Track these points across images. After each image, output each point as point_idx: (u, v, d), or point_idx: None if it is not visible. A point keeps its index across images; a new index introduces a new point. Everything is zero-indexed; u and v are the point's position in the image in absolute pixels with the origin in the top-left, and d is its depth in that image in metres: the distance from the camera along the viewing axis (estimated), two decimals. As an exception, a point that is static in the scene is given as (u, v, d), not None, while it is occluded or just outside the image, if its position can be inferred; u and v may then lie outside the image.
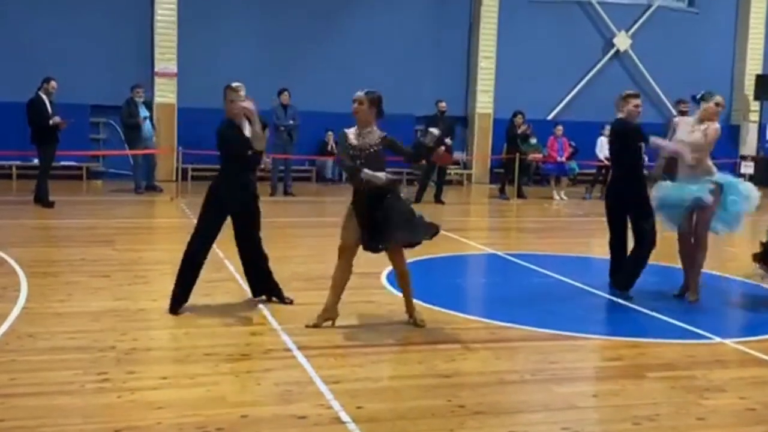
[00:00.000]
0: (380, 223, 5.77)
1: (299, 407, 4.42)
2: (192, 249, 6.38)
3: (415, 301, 6.24)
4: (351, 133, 5.93)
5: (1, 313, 6.05)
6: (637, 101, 7.25)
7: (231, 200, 6.37)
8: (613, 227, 7.40)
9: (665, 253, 8.13)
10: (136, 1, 16.98)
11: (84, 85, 16.12)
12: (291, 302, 6.64)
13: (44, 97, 12.36)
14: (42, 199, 12.20)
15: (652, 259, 7.44)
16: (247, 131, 6.30)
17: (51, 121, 12.16)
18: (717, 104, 7.22)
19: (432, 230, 6.03)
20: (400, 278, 6.12)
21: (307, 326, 5.95)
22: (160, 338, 5.74)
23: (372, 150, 5.82)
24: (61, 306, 6.44)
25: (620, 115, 7.27)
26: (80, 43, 16.48)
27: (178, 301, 6.28)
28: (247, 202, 6.48)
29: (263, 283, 6.72)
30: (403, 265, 6.07)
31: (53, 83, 12.47)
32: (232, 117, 6.32)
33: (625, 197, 7.22)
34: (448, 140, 14.79)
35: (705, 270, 7.53)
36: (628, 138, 7.19)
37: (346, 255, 5.99)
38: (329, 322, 6.02)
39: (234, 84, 6.32)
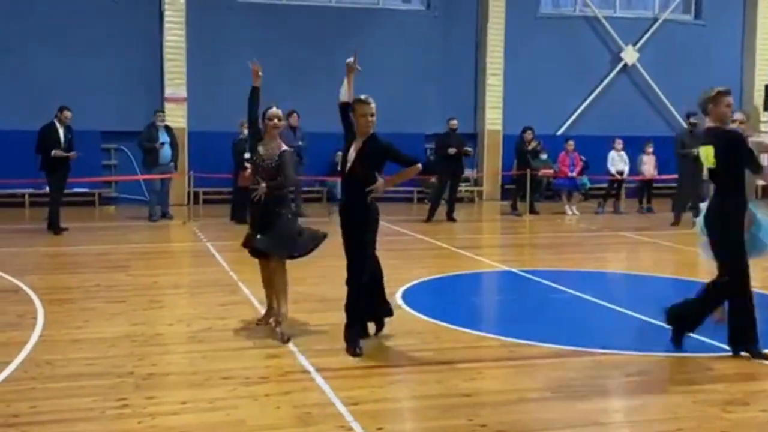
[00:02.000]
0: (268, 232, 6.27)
1: (319, 430, 4.40)
2: None
3: (427, 318, 6.19)
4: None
5: (19, 341, 6.06)
6: (729, 99, 5.86)
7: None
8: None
9: (684, 269, 8.08)
10: (145, 28, 17.11)
11: (95, 112, 16.20)
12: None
13: (58, 125, 12.43)
14: (54, 226, 12.25)
15: (672, 273, 7.39)
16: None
17: (53, 153, 12.22)
18: (740, 122, 7.07)
19: (315, 241, 6.51)
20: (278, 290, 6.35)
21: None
22: (177, 363, 5.73)
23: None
24: (78, 332, 6.45)
25: (710, 123, 5.95)
26: (91, 70, 16.59)
27: None
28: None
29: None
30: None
31: (66, 113, 12.50)
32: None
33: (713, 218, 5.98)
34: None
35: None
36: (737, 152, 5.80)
37: None
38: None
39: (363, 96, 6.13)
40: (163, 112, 15.06)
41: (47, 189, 12.92)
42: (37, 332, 6.38)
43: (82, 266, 9.87)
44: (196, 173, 14.99)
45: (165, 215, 14.51)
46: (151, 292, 8.19)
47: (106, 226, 14.07)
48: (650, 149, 16.33)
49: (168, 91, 16.99)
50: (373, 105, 5.99)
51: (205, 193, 16.26)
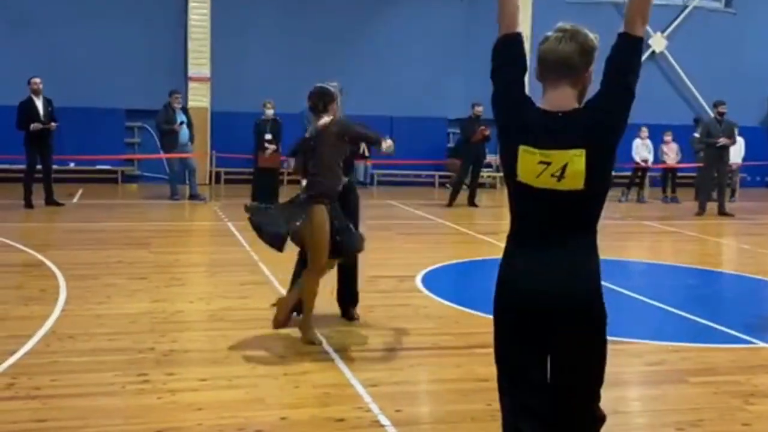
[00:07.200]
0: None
1: (338, 410, 4.40)
2: None
3: (447, 303, 6.17)
4: None
5: (41, 315, 6.12)
6: None
7: None
8: None
9: (708, 260, 8.01)
10: (170, 7, 17.14)
11: (119, 90, 16.31)
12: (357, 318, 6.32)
13: (34, 98, 12.49)
14: (25, 199, 12.36)
15: (696, 264, 7.32)
16: None
17: (31, 127, 12.28)
18: None
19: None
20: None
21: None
22: (197, 340, 5.75)
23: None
24: (99, 308, 6.49)
25: None
26: (115, 49, 16.67)
27: None
28: None
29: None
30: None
31: (35, 80, 12.58)
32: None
33: None
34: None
35: (748, 274, 7.39)
36: None
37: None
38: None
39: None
40: (179, 93, 14.89)
41: (73, 165, 12.94)
42: (60, 307, 6.43)
43: (104, 242, 9.93)
44: (219, 153, 15.02)
45: (196, 197, 14.17)
46: (172, 269, 8.24)
47: (128, 204, 14.15)
48: (669, 137, 16.15)
49: (192, 71, 17.02)
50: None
51: (227, 173, 16.30)
